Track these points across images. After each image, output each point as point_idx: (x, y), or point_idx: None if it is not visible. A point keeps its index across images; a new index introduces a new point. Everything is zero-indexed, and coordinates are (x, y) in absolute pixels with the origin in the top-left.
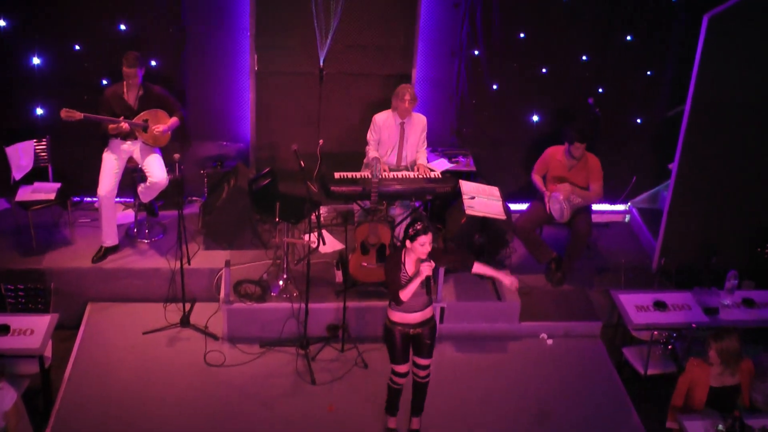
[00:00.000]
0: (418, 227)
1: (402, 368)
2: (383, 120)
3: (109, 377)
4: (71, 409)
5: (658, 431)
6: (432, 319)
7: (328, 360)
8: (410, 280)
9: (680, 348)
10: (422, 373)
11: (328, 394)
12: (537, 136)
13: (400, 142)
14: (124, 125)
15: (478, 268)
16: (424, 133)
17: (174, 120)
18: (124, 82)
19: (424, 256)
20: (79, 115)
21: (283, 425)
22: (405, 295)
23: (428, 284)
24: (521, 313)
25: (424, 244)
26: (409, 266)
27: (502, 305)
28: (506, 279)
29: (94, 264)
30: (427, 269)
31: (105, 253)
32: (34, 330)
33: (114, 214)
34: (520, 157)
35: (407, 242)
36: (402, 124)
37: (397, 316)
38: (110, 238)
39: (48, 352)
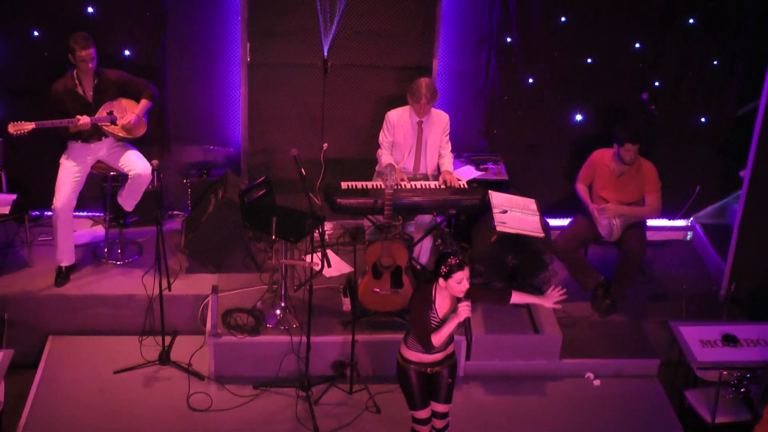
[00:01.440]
0: (452, 262)
1: (423, 414)
2: (398, 118)
3: (73, 425)
4: None
5: None
6: (453, 355)
7: (334, 404)
8: (442, 322)
9: (755, 391)
10: (440, 424)
11: None
12: (581, 138)
13: (417, 145)
14: (84, 121)
15: (517, 298)
16: (447, 134)
17: (144, 103)
18: (74, 72)
19: (461, 295)
20: (29, 125)
21: None
22: (438, 339)
23: (468, 327)
24: (563, 348)
25: (461, 281)
26: (441, 305)
27: (540, 339)
28: (547, 301)
29: (57, 289)
30: (466, 310)
31: (66, 273)
32: None
33: (71, 228)
34: (560, 163)
35: (440, 280)
36: (420, 123)
37: (414, 355)
38: (67, 257)
39: None
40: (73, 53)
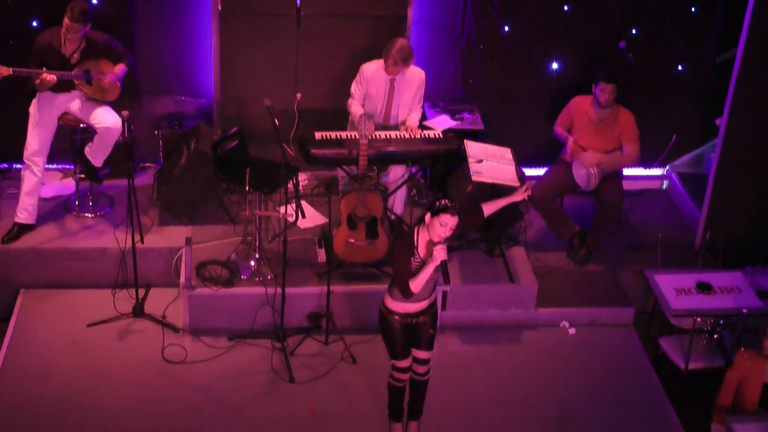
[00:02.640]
0: (448, 204)
1: (404, 363)
2: (372, 72)
3: (46, 379)
4: (0, 417)
5: None
6: (434, 304)
7: (310, 355)
8: (421, 266)
9: (728, 338)
10: (422, 369)
11: (310, 394)
12: (557, 87)
13: (387, 101)
14: (49, 77)
15: (489, 209)
16: (421, 91)
17: (121, 67)
18: (63, 30)
19: (436, 239)
20: (6, 70)
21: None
22: (416, 285)
23: (445, 270)
24: (538, 297)
25: (445, 225)
26: (423, 249)
27: (516, 289)
28: (517, 195)
29: (28, 242)
30: (441, 253)
31: (19, 231)
32: None
33: (38, 182)
34: (537, 112)
35: (427, 216)
36: (392, 81)
37: (398, 306)
38: (26, 212)
39: None
40: (64, 14)
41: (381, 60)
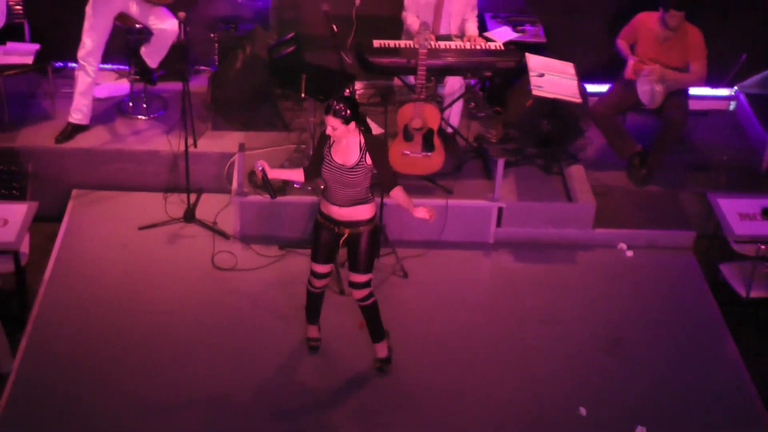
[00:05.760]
0: (332, 104)
1: (319, 268)
2: None
3: (97, 279)
4: (51, 315)
5: (760, 364)
6: (367, 222)
7: None
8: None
9: None
10: (356, 294)
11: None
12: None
13: (435, 15)
14: None
15: (397, 194)
16: (474, 10)
17: None
18: None
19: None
20: None
21: (301, 343)
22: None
23: (265, 184)
24: (596, 217)
25: (329, 125)
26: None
27: (573, 207)
28: (419, 212)
29: (81, 143)
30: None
31: (72, 132)
32: (7, 220)
33: (92, 83)
34: (601, 26)
35: None
36: None
37: (323, 206)
38: (80, 113)
39: (25, 248)
40: None
41: None
